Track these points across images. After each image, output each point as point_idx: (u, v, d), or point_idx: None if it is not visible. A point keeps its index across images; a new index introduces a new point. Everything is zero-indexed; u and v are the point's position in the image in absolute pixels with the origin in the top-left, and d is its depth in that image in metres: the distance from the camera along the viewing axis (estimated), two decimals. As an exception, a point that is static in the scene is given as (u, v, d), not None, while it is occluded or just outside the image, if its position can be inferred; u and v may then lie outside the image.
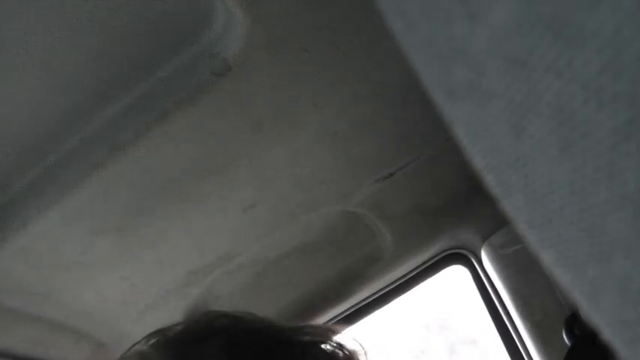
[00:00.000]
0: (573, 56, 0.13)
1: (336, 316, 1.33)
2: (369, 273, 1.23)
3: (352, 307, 1.34)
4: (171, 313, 0.99)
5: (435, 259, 1.35)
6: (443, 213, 1.18)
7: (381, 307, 1.37)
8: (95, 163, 0.66)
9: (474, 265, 1.38)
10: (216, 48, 0.60)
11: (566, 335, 1.19)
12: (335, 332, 0.68)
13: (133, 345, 0.63)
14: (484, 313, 1.39)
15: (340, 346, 0.66)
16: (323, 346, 0.65)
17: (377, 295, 1.35)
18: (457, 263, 1.39)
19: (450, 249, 1.36)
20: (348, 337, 0.68)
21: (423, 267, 1.34)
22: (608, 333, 0.17)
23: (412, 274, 1.34)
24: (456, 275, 1.41)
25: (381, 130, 0.84)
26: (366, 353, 0.67)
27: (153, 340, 0.62)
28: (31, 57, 0.54)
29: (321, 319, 1.30)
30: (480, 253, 1.34)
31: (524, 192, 0.17)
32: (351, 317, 1.35)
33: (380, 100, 0.77)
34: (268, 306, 1.16)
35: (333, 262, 1.15)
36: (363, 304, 1.34)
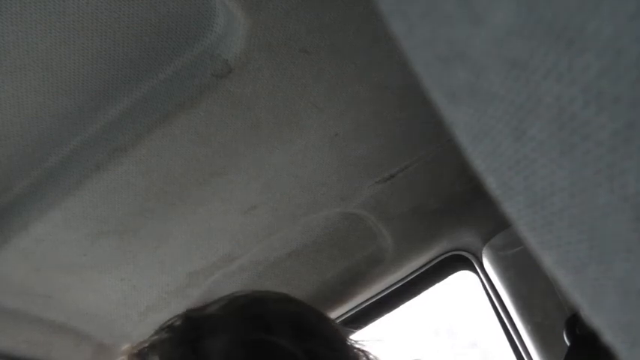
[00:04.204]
0: (573, 59, 0.13)
1: (336, 319, 1.33)
2: (370, 275, 1.22)
3: (353, 309, 1.33)
4: (172, 315, 0.99)
5: (436, 261, 1.35)
6: (444, 215, 1.18)
7: (382, 308, 1.37)
8: (96, 164, 0.66)
9: (474, 267, 1.38)
10: (217, 50, 0.60)
11: (567, 336, 1.19)
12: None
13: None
14: (485, 315, 1.39)
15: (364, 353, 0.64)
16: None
17: (378, 297, 1.34)
18: (458, 265, 1.39)
19: (451, 251, 1.36)
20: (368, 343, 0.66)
21: (424, 269, 1.34)
22: (609, 335, 0.17)
23: (413, 277, 1.34)
24: (457, 277, 1.41)
25: (381, 132, 0.84)
26: None
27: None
28: (32, 58, 0.54)
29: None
30: (480, 255, 1.34)
31: (524, 194, 0.17)
32: (352, 320, 1.35)
33: (381, 102, 0.77)
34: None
35: (334, 263, 1.15)
36: (364, 306, 1.34)
